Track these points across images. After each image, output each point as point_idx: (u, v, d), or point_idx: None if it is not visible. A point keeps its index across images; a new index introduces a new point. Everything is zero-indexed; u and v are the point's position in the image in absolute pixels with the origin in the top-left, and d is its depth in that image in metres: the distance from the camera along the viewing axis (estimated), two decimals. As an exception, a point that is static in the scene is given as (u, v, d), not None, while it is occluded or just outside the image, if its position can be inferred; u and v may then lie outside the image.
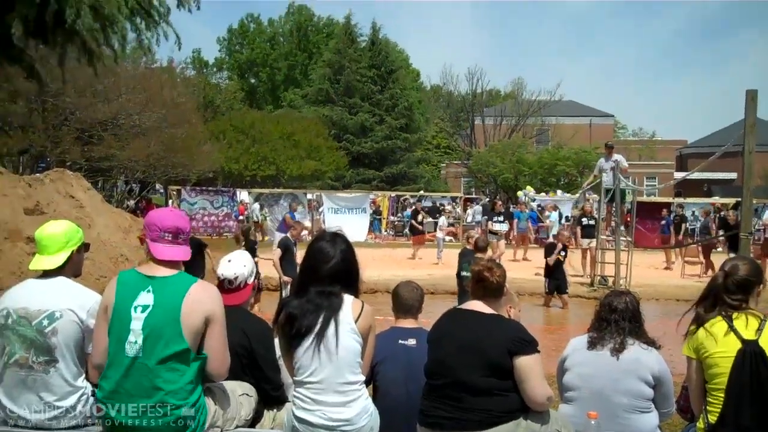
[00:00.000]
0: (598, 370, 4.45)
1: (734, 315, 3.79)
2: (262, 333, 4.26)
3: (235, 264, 4.45)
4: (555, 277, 15.04)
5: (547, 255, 15.16)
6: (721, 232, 20.51)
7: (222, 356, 3.76)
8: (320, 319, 3.74)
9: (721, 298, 3.84)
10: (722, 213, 24.45)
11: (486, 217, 25.42)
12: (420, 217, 26.38)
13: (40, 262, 3.98)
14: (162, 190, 40.76)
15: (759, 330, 3.70)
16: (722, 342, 3.71)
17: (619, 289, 7.15)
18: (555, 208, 29.40)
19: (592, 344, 4.57)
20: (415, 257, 23.85)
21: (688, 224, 25.52)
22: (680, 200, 32.77)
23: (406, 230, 31.02)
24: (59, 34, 8.75)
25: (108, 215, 16.95)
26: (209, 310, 3.64)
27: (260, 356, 4.22)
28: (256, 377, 4.23)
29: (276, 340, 4.15)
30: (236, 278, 4.41)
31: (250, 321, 4.36)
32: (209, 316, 3.64)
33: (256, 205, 30.83)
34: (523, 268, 20.50)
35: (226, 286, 4.39)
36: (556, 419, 4.14)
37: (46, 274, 3.96)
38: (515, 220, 23.77)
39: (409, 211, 33.86)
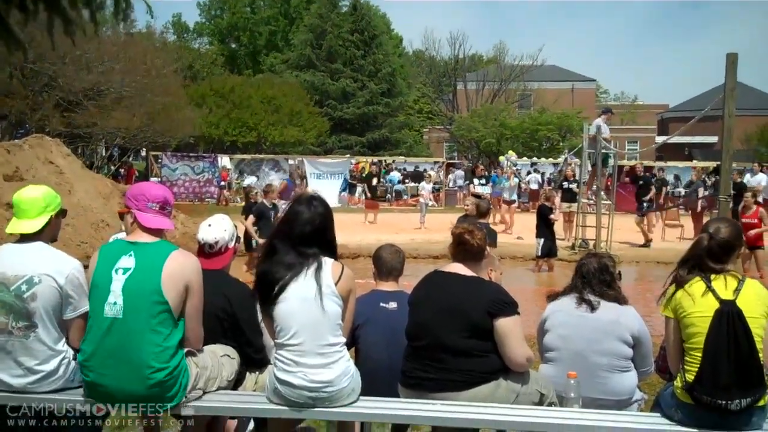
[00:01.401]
0: (578, 330, 4.51)
1: (713, 275, 3.81)
2: (244, 296, 4.25)
3: (216, 228, 4.43)
4: (549, 238, 14.97)
5: (544, 215, 15.01)
6: (707, 193, 20.55)
7: (195, 330, 3.83)
8: (300, 281, 3.75)
9: (703, 261, 3.85)
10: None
11: (467, 181, 25.41)
12: (375, 181, 26.24)
13: (18, 226, 3.94)
14: (144, 155, 40.45)
15: (737, 290, 3.72)
16: (700, 302, 3.73)
17: (591, 251, 7.24)
18: (515, 174, 29.11)
19: (554, 297, 4.77)
20: (371, 221, 23.79)
21: (668, 188, 25.61)
22: (661, 164, 32.91)
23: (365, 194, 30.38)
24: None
25: (88, 181, 16.90)
26: (189, 278, 3.70)
27: (242, 319, 4.22)
28: (238, 341, 4.23)
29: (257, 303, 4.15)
30: (216, 243, 4.38)
31: (231, 284, 4.36)
32: (188, 284, 3.70)
33: (253, 178, 30.64)
34: (500, 230, 20.58)
35: (206, 250, 4.38)
36: (536, 379, 4.19)
37: (24, 239, 3.93)
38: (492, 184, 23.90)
39: (394, 176, 33.81)
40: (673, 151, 45.18)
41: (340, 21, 50.74)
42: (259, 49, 66.30)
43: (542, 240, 14.86)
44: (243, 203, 15.61)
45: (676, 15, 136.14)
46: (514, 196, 23.48)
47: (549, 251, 14.93)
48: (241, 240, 5.23)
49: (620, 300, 4.62)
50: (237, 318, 4.20)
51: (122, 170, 35.36)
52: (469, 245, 4.23)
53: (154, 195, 3.90)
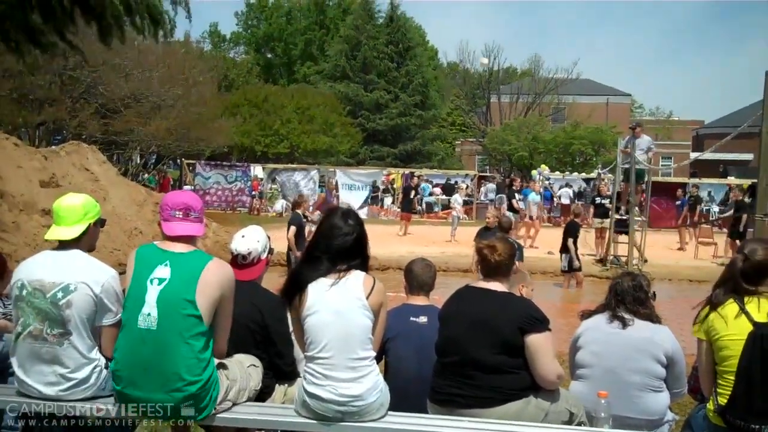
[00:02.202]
0: (610, 347, 4.47)
1: (746, 297, 3.77)
2: (276, 307, 4.23)
3: (249, 239, 4.45)
4: (569, 253, 14.85)
5: (570, 234, 14.92)
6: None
7: (221, 342, 3.84)
8: (332, 294, 3.75)
9: (738, 283, 3.80)
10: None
11: (504, 195, 25.26)
12: (412, 194, 26.31)
13: (56, 233, 3.96)
14: (178, 164, 40.81)
15: (771, 313, 3.68)
16: (733, 324, 3.69)
17: (626, 270, 7.19)
18: (542, 188, 28.89)
19: (588, 315, 4.74)
20: (404, 233, 23.79)
21: (702, 205, 25.33)
22: (696, 181, 32.57)
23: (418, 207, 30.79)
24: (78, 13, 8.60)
25: (123, 188, 17.08)
26: (223, 289, 3.70)
27: (274, 331, 4.23)
28: (269, 352, 4.24)
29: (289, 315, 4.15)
30: (249, 254, 4.40)
31: (263, 296, 4.36)
32: (222, 295, 3.70)
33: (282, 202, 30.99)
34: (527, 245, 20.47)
35: (239, 261, 4.39)
36: (566, 397, 4.15)
37: (62, 246, 3.94)
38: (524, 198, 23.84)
39: (425, 186, 33.77)
40: (708, 168, 44.66)
41: (376, 32, 50.84)
42: (294, 59, 66.59)
43: (567, 255, 14.77)
44: (274, 212, 15.55)
45: (712, 29, 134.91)
46: (537, 212, 23.30)
47: (570, 265, 14.78)
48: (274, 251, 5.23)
49: (654, 319, 4.58)
50: (269, 330, 4.20)
51: (156, 178, 35.62)
52: (487, 260, 4.21)
53: (175, 202, 3.88)
